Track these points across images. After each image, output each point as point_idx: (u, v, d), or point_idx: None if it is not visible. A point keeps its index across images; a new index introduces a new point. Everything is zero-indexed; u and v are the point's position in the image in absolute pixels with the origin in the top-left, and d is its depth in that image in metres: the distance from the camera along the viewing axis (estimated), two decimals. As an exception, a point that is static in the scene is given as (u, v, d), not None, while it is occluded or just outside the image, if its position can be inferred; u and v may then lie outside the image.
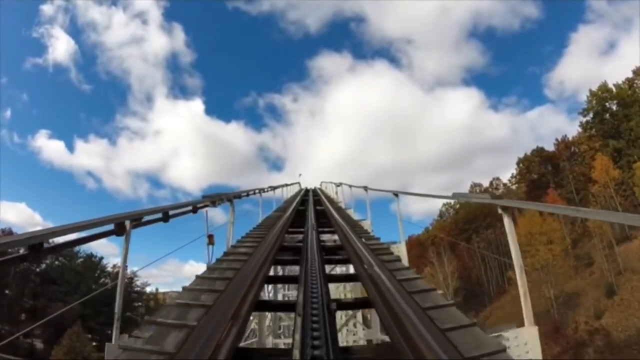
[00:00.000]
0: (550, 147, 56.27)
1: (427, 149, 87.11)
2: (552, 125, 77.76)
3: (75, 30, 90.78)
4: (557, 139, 57.78)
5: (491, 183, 60.55)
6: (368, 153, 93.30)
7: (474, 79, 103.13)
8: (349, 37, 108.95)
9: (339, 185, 14.87)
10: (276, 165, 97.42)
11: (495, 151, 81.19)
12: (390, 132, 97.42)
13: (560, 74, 77.40)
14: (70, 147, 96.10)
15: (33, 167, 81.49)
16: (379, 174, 76.12)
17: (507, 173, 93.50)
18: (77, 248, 46.64)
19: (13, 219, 66.40)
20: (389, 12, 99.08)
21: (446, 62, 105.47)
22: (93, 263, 44.51)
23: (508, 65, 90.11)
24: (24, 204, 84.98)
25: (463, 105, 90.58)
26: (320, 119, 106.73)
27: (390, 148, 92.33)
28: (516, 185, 58.14)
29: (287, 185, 15.57)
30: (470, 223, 49.06)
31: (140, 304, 56.34)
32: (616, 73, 61.10)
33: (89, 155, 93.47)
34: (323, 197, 14.87)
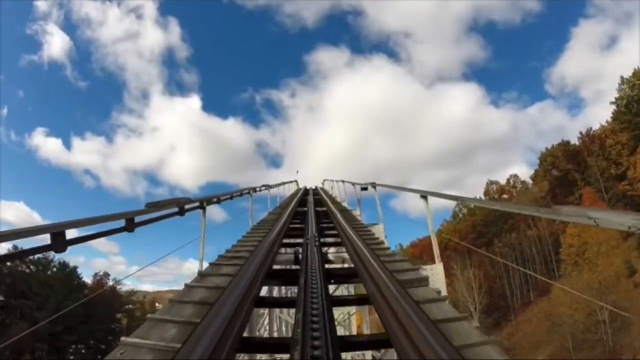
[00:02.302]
0: (549, 143, 52.94)
1: (427, 144, 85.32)
2: (553, 122, 74.25)
3: (69, 26, 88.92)
4: (581, 132, 52.84)
5: (508, 181, 55.68)
6: (368, 149, 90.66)
7: (475, 73, 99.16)
8: (346, 31, 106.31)
9: (365, 187, 8.36)
10: (275, 161, 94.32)
11: (495, 147, 79.30)
12: (390, 128, 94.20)
13: (561, 69, 75.50)
14: (67, 145, 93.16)
15: (31, 165, 79.90)
16: (379, 170, 73.07)
17: (508, 169, 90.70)
18: (50, 256, 41.83)
19: (11, 218, 64.19)
20: (387, 5, 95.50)
21: (446, 56, 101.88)
22: (65, 274, 39.46)
23: (509, 60, 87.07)
24: (22, 203, 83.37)
25: (463, 101, 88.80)
26: (319, 114, 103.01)
27: (390, 144, 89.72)
28: (532, 183, 53.52)
29: (267, 187, 9.90)
30: (489, 226, 43.87)
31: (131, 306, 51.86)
32: (617, 68, 58.49)
33: (86, 153, 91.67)
34: (335, 212, 7.62)
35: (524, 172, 67.48)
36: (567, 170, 47.85)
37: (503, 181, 55.54)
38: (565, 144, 48.79)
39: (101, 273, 46.12)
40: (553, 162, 46.47)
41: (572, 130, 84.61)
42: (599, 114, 66.00)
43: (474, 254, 40.50)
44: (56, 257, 42.20)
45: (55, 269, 41.81)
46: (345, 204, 10.81)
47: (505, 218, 43.01)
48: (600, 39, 66.37)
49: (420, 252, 49.99)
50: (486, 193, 52.60)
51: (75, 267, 42.44)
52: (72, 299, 37.32)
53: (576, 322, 30.74)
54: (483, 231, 42.94)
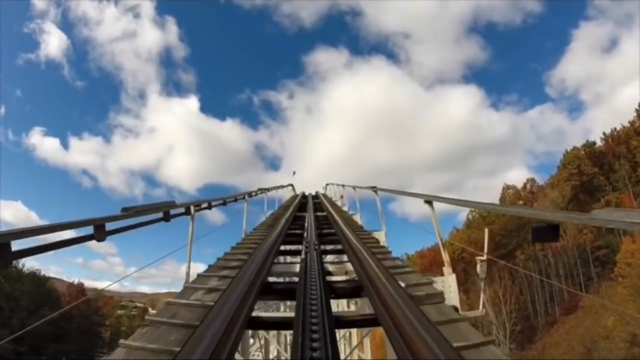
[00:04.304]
0: (551, 147, 50.05)
1: (427, 147, 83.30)
2: (553, 125, 72.05)
3: (67, 25, 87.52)
4: (604, 133, 48.81)
5: (524, 185, 51.75)
6: (367, 151, 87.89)
7: (475, 75, 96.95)
8: (345, 32, 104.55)
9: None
10: (273, 164, 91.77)
11: (495, 150, 76.54)
12: (389, 130, 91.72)
13: (561, 71, 73.45)
14: (65, 145, 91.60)
15: (28, 165, 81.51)
16: (378, 173, 71.20)
17: (508, 172, 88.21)
18: (22, 264, 37.54)
19: (9, 218, 61.88)
20: (386, 5, 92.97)
21: (446, 57, 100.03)
22: (35, 287, 35.05)
23: (509, 61, 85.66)
24: (19, 202, 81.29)
25: (463, 103, 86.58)
26: (317, 116, 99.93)
27: (389, 146, 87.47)
28: (545, 186, 49.72)
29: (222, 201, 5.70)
30: (510, 236, 39.59)
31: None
32: (618, 70, 57.91)
33: (83, 153, 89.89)
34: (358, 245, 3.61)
35: (524, 175, 65.05)
36: (592, 174, 43.69)
37: (514, 185, 52.00)
38: (590, 145, 44.68)
39: (76, 282, 41.82)
40: (579, 165, 42.26)
41: (573, 134, 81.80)
42: (599, 117, 63.09)
43: (494, 267, 36.26)
44: (26, 266, 37.90)
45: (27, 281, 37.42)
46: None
47: (527, 228, 38.80)
48: (601, 41, 64.32)
49: (430, 263, 45.70)
50: (502, 198, 48.56)
51: (48, 278, 38.03)
52: (40, 315, 32.93)
53: (616, 349, 26.68)
54: (503, 242, 38.70)
